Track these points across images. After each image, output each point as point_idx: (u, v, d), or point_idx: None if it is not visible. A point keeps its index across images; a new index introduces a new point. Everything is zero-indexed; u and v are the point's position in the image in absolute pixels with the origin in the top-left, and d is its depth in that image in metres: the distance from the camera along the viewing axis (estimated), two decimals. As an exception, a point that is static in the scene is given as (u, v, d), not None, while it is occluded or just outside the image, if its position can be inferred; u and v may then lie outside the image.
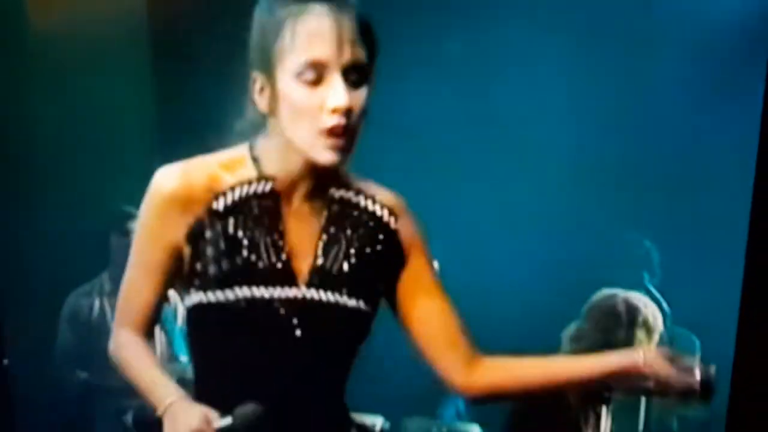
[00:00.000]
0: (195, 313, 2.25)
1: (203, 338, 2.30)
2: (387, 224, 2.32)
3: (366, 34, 2.15)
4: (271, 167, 2.23)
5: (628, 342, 4.27)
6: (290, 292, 2.21)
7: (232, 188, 2.23)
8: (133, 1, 6.51)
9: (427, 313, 2.39)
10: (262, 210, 2.25)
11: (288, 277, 2.20)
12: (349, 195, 2.31)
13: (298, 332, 2.22)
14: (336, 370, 2.31)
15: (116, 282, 5.22)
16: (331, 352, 2.28)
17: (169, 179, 2.25)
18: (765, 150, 3.34)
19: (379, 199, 2.32)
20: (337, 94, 2.09)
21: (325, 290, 2.22)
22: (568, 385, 2.44)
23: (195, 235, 2.22)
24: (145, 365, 2.27)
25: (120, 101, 6.22)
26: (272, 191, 2.24)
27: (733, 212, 5.14)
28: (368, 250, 2.28)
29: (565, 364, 2.46)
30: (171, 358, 4.86)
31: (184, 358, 5.14)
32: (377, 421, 5.33)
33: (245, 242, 2.21)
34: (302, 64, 2.10)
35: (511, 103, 5.78)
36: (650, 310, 4.35)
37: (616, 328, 4.31)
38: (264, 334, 2.22)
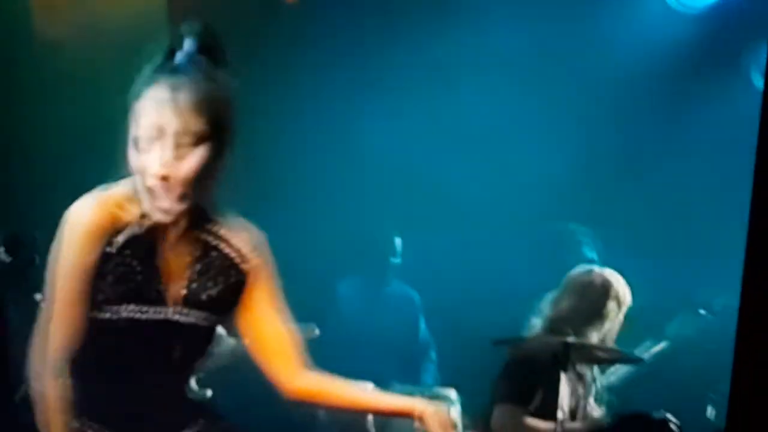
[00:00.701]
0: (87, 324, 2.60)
1: (90, 343, 2.63)
2: (237, 264, 2.71)
3: (203, 103, 2.49)
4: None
5: (601, 311, 4.69)
6: (160, 313, 2.62)
7: (124, 226, 2.58)
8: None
9: (263, 332, 2.84)
10: (144, 246, 2.59)
11: (159, 302, 2.60)
12: (210, 239, 2.69)
13: (162, 341, 2.64)
14: (187, 366, 2.76)
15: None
16: (184, 355, 2.71)
17: (87, 213, 2.58)
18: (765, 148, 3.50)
19: (233, 242, 2.72)
20: (156, 160, 2.45)
21: (188, 312, 2.65)
22: (365, 411, 3.02)
23: (97, 264, 2.56)
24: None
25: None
26: (152, 230, 2.58)
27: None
28: (221, 285, 2.68)
29: (363, 397, 3.01)
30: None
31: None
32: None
33: (130, 272, 2.57)
34: (145, 127, 2.46)
35: (496, 114, 6.07)
36: (621, 286, 4.74)
37: (590, 298, 4.73)
38: (136, 343, 2.62)
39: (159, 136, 2.49)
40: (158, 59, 2.61)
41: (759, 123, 2.52)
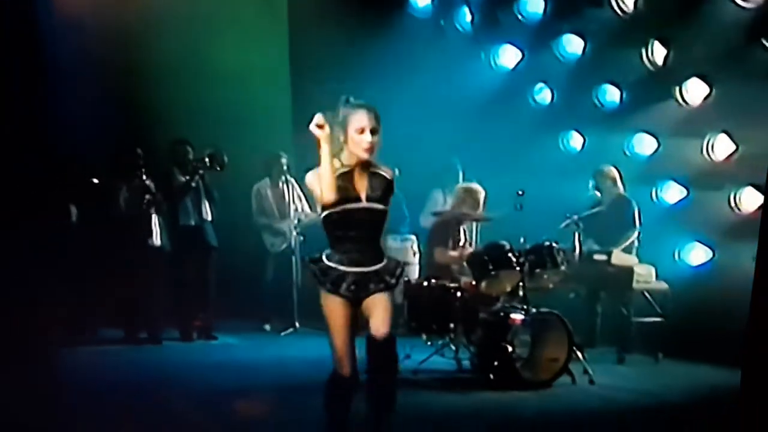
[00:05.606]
0: (324, 217, 4.93)
1: (328, 226, 4.94)
2: (389, 178, 4.93)
3: (377, 117, 4.83)
4: (348, 161, 4.86)
5: (478, 201, 8.12)
6: (359, 205, 4.90)
7: (336, 170, 4.78)
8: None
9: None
10: (346, 177, 4.85)
11: (358, 199, 4.87)
12: (375, 169, 4.91)
13: (363, 219, 4.92)
14: (376, 230, 4.96)
15: (274, 181, 10.71)
16: (374, 225, 4.93)
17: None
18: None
19: (384, 170, 4.92)
20: (367, 138, 4.80)
21: (371, 202, 4.91)
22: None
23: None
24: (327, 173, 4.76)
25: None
26: (348, 171, 4.84)
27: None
28: (384, 186, 4.92)
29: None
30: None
31: None
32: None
33: (341, 187, 4.81)
34: (356, 128, 4.78)
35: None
36: (480, 189, 8.29)
37: (471, 194, 8.23)
38: (350, 221, 4.89)
39: (363, 130, 4.79)
40: (343, 101, 4.87)
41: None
